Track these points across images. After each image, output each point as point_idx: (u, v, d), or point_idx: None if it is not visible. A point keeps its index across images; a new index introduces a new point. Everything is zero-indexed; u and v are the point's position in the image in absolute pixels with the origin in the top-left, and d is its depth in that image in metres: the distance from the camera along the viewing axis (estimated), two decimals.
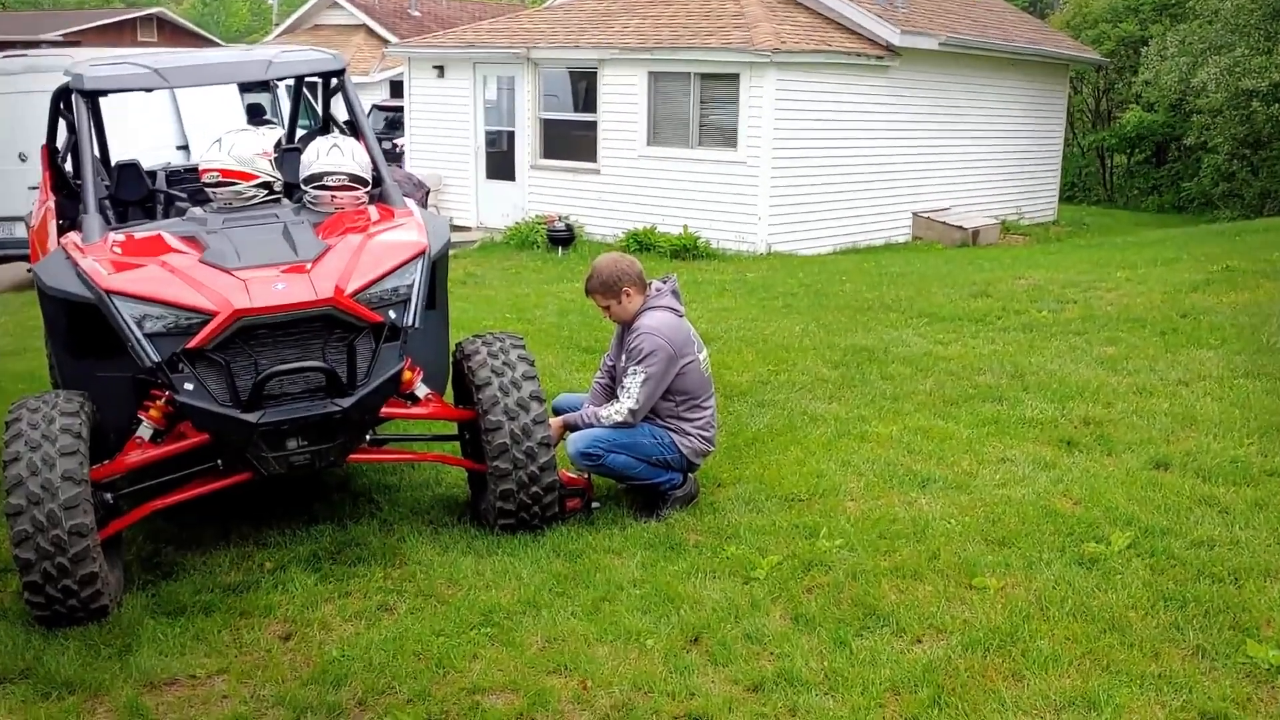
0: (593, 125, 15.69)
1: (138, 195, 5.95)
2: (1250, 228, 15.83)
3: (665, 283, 5.13)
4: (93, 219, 4.58)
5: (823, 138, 14.92)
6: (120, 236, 4.52)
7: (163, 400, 4.43)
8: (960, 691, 3.47)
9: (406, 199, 5.09)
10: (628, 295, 4.97)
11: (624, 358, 4.98)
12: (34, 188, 7.79)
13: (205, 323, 4.08)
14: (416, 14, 30.56)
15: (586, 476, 5.05)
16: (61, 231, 5.24)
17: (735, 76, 14.31)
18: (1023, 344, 8.03)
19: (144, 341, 4.09)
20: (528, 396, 4.62)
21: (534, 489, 4.64)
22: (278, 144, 5.13)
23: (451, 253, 5.41)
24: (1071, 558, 4.34)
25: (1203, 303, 9.07)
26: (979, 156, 17.87)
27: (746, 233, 14.48)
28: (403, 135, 18.36)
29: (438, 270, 4.88)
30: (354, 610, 4.21)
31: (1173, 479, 5.09)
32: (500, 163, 17.10)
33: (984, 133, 17.88)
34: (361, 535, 4.86)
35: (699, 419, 5.07)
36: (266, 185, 4.89)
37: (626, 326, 5.06)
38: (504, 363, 4.69)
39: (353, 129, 5.44)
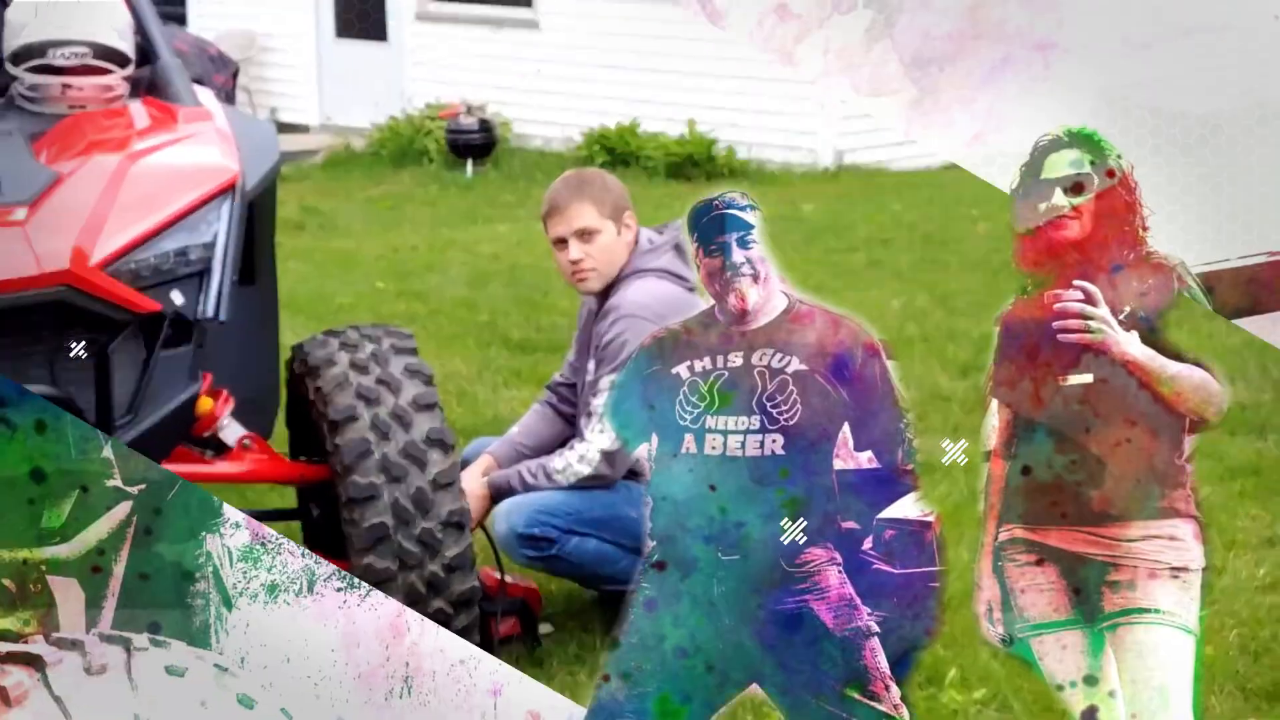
0: None
1: None
2: None
3: (663, 233, 5.16)
4: None
5: None
6: None
7: None
8: None
9: (198, 87, 5.13)
10: (628, 227, 5.04)
11: (593, 361, 4.98)
12: None
13: None
14: None
15: (530, 579, 5.10)
16: None
17: None
18: None
19: None
20: (422, 440, 4.63)
21: (435, 604, 4.61)
22: None
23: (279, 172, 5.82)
24: None
25: None
26: None
27: (800, 132, 14.55)
28: None
29: (258, 217, 4.98)
30: None
31: None
32: (361, 8, 17.02)
33: None
34: None
35: None
36: None
37: (600, 302, 5.08)
38: (379, 380, 4.72)
39: None
